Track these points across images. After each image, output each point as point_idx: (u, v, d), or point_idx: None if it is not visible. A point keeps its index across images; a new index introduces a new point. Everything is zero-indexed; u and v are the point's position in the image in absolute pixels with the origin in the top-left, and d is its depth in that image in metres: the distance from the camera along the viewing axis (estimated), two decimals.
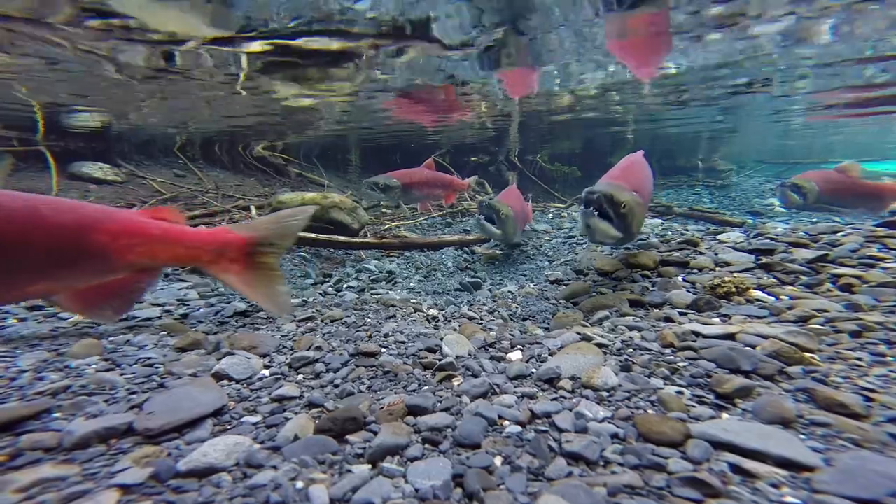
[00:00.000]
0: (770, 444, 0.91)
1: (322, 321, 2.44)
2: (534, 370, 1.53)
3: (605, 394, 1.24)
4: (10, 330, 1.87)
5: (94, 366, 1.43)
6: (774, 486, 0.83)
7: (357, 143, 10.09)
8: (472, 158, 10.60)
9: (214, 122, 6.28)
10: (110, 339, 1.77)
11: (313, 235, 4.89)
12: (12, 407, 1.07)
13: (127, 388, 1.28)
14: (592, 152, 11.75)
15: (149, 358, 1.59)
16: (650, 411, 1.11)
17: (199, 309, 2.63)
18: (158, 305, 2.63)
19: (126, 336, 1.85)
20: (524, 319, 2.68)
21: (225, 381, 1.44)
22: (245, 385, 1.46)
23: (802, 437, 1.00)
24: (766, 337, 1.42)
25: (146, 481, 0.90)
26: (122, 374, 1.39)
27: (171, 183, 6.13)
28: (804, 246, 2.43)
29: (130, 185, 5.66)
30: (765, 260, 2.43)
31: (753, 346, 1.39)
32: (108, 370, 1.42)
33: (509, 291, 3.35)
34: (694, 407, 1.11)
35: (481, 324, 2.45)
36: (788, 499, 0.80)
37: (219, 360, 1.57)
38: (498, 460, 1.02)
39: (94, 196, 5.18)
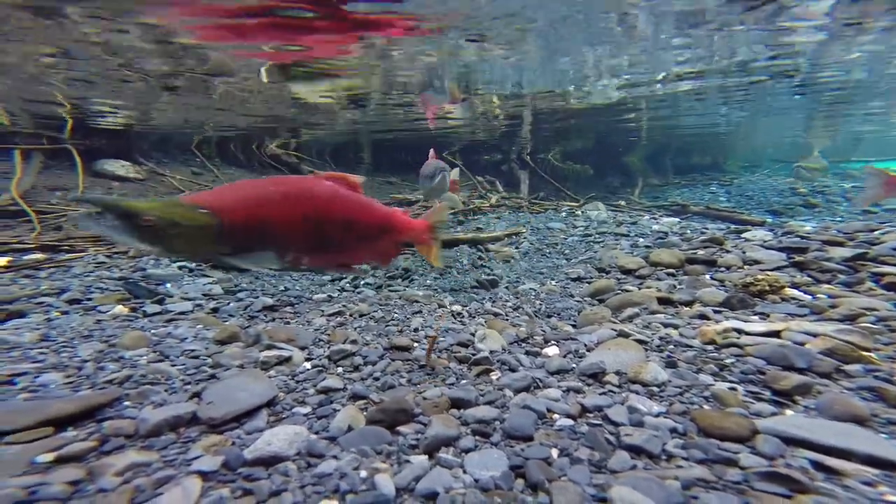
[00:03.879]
0: (852, 441, 0.90)
1: (350, 315, 2.46)
2: (574, 365, 1.54)
3: (655, 389, 1.24)
4: (57, 322, 1.92)
5: (145, 357, 1.47)
6: (868, 484, 0.82)
7: (368, 141, 10.13)
8: (485, 157, 10.58)
9: (230, 119, 6.35)
10: (153, 331, 1.81)
11: None
12: (90, 395, 1.11)
13: (181, 379, 1.32)
14: (605, 150, 11.66)
15: (193, 350, 1.62)
16: (706, 407, 1.11)
17: (229, 303, 2.68)
18: (189, 300, 2.68)
19: (167, 328, 1.89)
20: (549, 316, 2.67)
21: (272, 373, 1.47)
22: (290, 377, 1.48)
23: (884, 435, 0.98)
24: (814, 335, 1.41)
25: (219, 469, 0.92)
26: (173, 365, 1.42)
27: (190, 180, 6.22)
28: (839, 244, 2.40)
29: (150, 182, 5.76)
30: (797, 258, 2.40)
31: (802, 344, 1.38)
32: (159, 361, 1.46)
33: (531, 289, 3.35)
34: (752, 403, 1.11)
35: (507, 320, 2.45)
36: (891, 497, 0.78)
37: (261, 351, 1.61)
38: (554, 452, 1.03)
39: (116, 193, 5.28)
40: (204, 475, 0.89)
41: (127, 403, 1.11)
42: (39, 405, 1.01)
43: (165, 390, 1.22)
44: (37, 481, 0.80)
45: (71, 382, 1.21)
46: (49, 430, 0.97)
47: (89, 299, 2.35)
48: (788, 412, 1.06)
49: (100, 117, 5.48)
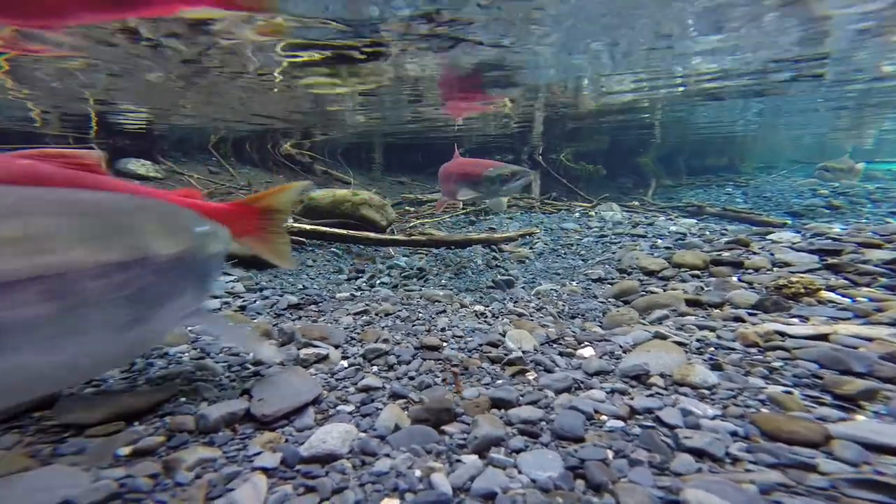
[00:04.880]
0: None
1: (376, 315, 2.47)
2: (613, 367, 1.53)
3: (705, 392, 1.23)
4: None
5: (187, 354, 1.49)
6: None
7: (380, 141, 10.18)
8: (496, 157, 10.56)
9: (246, 119, 6.42)
10: (189, 328, 1.83)
11: (344, 231, 4.94)
12: (151, 390, 1.13)
13: (228, 376, 1.33)
14: (618, 151, 11.57)
15: (230, 347, 1.64)
16: (764, 410, 1.09)
17: (255, 301, 2.70)
18: (216, 297, 2.71)
19: (201, 326, 1.91)
20: (573, 317, 2.66)
21: (312, 370, 1.48)
22: (329, 374, 1.49)
23: None
24: (869, 339, 1.38)
25: (279, 466, 0.93)
26: (216, 362, 1.44)
27: (207, 179, 6.30)
28: (877, 246, 2.35)
29: (170, 181, 5.84)
30: (831, 260, 2.36)
31: (855, 348, 1.35)
32: (201, 358, 1.47)
33: (553, 289, 3.33)
34: (814, 407, 1.09)
35: (532, 320, 2.44)
36: None
37: (299, 349, 1.62)
38: (609, 453, 1.02)
39: None
40: (267, 472, 0.89)
41: (183, 399, 1.13)
42: (109, 399, 1.03)
43: (215, 387, 1.23)
44: (123, 474, 0.81)
45: (126, 378, 1.23)
46: (121, 424, 0.99)
47: None
48: (859, 417, 1.04)
49: (123, 117, 5.59)
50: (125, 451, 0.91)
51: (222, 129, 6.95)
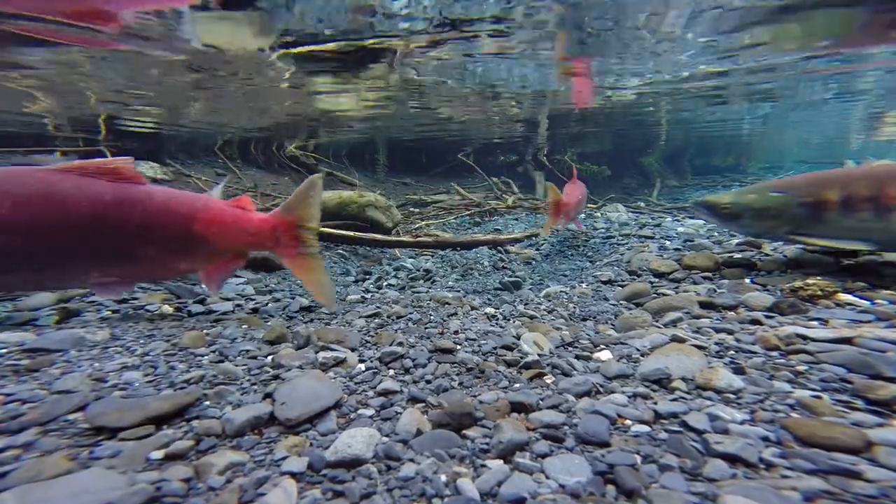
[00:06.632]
0: None
1: (388, 317, 2.47)
2: (632, 370, 1.52)
3: (731, 396, 1.21)
4: (113, 320, 1.95)
5: (206, 357, 1.49)
6: None
7: (385, 143, 10.20)
8: (501, 158, 10.57)
9: (251, 121, 6.45)
10: (206, 331, 1.83)
11: (352, 233, 4.95)
12: (176, 394, 1.13)
13: (248, 379, 1.33)
14: (623, 151, 11.54)
15: (248, 350, 1.64)
16: (794, 415, 1.08)
17: (267, 304, 2.70)
18: (228, 300, 2.72)
19: (216, 328, 1.92)
20: (584, 319, 2.64)
21: (331, 374, 1.47)
22: (348, 378, 1.48)
23: None
24: (895, 342, 1.36)
25: (306, 470, 0.93)
26: (236, 366, 1.44)
27: (214, 182, 6.33)
28: None
29: (177, 183, 5.87)
30: (847, 262, 2.33)
31: (883, 352, 1.33)
32: (220, 361, 1.47)
33: (562, 291, 3.32)
34: (847, 413, 1.07)
35: (544, 322, 2.42)
36: None
37: (317, 353, 1.61)
38: (637, 458, 1.01)
39: None
40: (295, 476, 0.89)
41: (207, 403, 1.13)
42: (138, 403, 1.03)
43: (237, 390, 1.23)
44: (158, 477, 0.81)
45: (151, 381, 1.23)
46: (151, 427, 0.99)
47: (135, 298, 2.40)
48: None
49: (132, 119, 5.63)
50: (157, 454, 0.91)
51: (229, 132, 6.99)
